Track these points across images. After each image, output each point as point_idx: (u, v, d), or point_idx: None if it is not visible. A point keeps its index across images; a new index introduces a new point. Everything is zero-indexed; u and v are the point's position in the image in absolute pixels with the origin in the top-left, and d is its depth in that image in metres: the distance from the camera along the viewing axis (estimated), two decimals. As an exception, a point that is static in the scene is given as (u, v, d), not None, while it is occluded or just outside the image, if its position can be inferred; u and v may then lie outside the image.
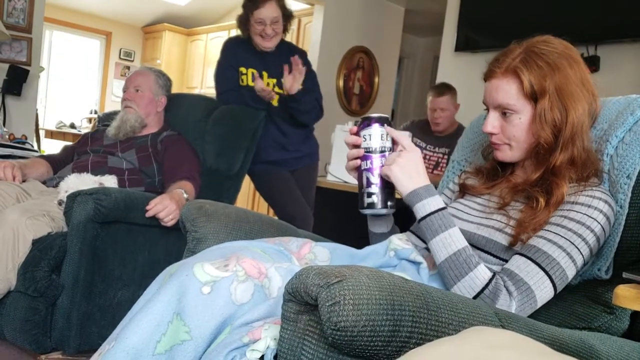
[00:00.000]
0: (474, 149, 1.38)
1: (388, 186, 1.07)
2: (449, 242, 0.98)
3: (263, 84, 2.28)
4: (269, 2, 2.31)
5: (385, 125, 1.08)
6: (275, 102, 2.39)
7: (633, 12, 2.97)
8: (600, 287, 1.04)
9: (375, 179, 1.07)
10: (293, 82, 2.26)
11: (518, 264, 0.96)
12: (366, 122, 1.08)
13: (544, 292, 0.94)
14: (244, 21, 2.39)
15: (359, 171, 1.09)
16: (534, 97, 1.03)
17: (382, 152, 1.07)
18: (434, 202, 1.01)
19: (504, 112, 1.07)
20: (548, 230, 0.98)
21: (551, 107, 1.02)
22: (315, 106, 2.47)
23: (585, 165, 1.03)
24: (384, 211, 1.09)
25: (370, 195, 1.08)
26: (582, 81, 1.03)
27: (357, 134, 1.09)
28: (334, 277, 0.66)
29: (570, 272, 0.96)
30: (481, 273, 0.96)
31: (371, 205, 1.08)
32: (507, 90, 1.05)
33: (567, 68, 1.02)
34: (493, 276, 0.96)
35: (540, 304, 0.95)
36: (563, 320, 1.05)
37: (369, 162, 1.07)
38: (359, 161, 1.09)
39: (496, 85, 1.07)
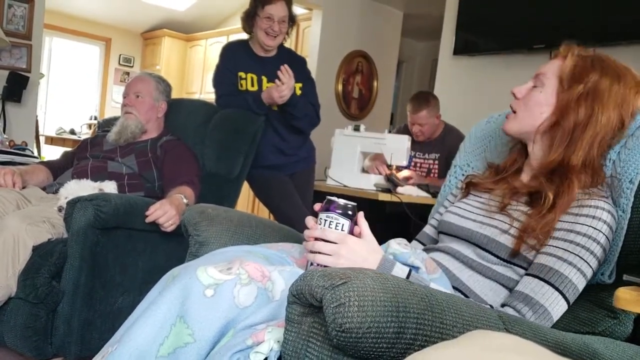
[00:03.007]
0: (476, 154, 1.38)
1: None
2: None
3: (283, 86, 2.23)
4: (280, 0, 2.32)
5: (349, 213, 0.94)
6: (275, 107, 2.39)
7: (633, 14, 2.98)
8: (604, 292, 1.04)
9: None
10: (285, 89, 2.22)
11: (532, 287, 0.97)
12: (326, 206, 0.95)
13: (559, 310, 0.96)
14: (251, 16, 2.37)
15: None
16: (568, 81, 1.04)
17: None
18: (396, 273, 0.94)
19: (535, 85, 1.09)
20: (555, 247, 0.99)
21: (577, 99, 1.03)
22: (310, 112, 2.46)
23: (596, 173, 1.04)
24: None
25: None
26: (622, 101, 1.04)
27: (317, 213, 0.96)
28: (339, 278, 0.66)
29: (581, 286, 0.98)
30: None
31: None
32: (553, 65, 1.08)
33: (615, 82, 1.03)
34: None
35: (556, 320, 0.97)
36: (567, 325, 1.05)
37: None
38: (309, 245, 0.96)
39: (553, 62, 1.10)
